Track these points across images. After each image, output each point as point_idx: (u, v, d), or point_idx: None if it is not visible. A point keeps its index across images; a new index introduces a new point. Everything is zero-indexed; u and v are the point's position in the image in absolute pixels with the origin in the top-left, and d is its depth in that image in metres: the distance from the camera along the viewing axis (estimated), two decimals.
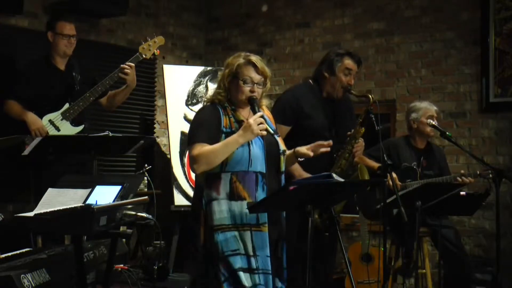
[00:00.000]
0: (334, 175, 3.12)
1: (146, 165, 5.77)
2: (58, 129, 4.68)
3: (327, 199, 3.37)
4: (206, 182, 3.23)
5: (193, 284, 3.35)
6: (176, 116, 6.12)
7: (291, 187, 3.01)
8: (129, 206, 3.14)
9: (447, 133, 4.73)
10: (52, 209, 2.85)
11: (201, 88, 6.29)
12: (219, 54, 7.27)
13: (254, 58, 3.29)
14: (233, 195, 3.18)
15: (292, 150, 3.42)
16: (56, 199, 3.08)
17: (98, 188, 3.15)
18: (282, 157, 3.32)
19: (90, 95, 4.71)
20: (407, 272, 4.79)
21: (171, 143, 6.11)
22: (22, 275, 2.75)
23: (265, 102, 3.40)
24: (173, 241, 6.00)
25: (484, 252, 5.75)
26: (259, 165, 3.22)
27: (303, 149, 3.38)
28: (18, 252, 3.17)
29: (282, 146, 3.36)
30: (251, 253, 3.14)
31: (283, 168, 3.33)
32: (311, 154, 3.35)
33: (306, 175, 3.94)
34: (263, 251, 3.17)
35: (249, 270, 3.13)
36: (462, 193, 4.12)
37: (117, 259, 3.81)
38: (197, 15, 7.45)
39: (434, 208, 4.04)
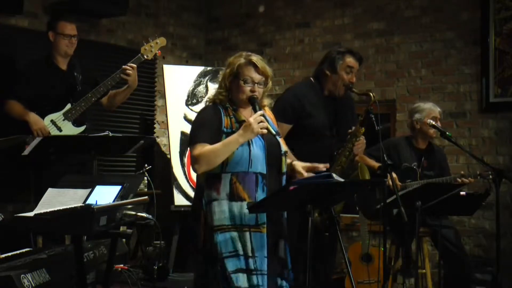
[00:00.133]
0: (334, 175, 3.11)
1: (146, 165, 5.78)
2: (60, 129, 4.68)
3: (327, 199, 3.36)
4: (207, 182, 3.23)
5: (195, 283, 3.34)
6: (176, 116, 6.12)
7: (291, 187, 3.00)
8: (129, 206, 3.14)
9: (447, 133, 4.73)
10: (52, 209, 2.85)
11: (201, 88, 6.29)
12: (219, 54, 7.27)
13: (255, 58, 3.29)
14: (233, 196, 3.18)
15: (290, 161, 3.41)
16: (56, 199, 3.08)
17: (98, 188, 3.15)
18: (283, 158, 3.32)
19: (92, 95, 4.71)
20: (407, 272, 4.79)
21: (171, 143, 6.12)
22: (22, 275, 2.75)
23: (266, 101, 3.40)
24: (173, 241, 6.01)
25: (484, 252, 5.75)
26: (260, 165, 3.22)
27: (299, 166, 3.38)
28: (18, 252, 3.17)
29: (283, 147, 3.36)
30: (250, 254, 3.14)
31: (284, 169, 3.33)
32: (305, 174, 3.34)
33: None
34: (261, 252, 3.17)
35: (247, 271, 3.13)
36: (462, 193, 4.12)
37: (117, 259, 3.82)
38: (197, 15, 7.45)
39: (434, 208, 4.04)
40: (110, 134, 4.49)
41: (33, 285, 2.78)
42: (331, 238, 4.09)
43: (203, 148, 3.16)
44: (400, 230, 4.60)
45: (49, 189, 3.18)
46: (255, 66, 3.26)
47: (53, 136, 4.58)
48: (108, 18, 6.42)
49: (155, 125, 6.93)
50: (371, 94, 4.03)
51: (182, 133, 6.08)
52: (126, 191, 3.22)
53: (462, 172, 4.84)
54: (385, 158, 3.71)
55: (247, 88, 3.25)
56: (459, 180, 4.66)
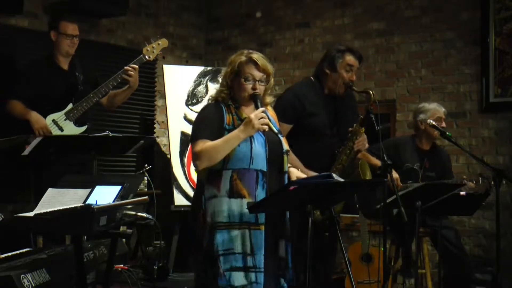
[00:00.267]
0: (334, 175, 3.12)
1: (146, 165, 5.78)
2: (61, 129, 4.68)
3: (327, 199, 3.37)
4: (208, 179, 3.25)
5: (195, 283, 3.35)
6: (176, 116, 6.12)
7: (291, 187, 3.01)
8: (129, 206, 3.14)
9: (447, 133, 4.73)
10: (52, 209, 2.85)
11: (201, 88, 6.29)
12: (219, 54, 7.28)
13: (256, 55, 3.30)
14: (232, 193, 3.18)
15: (289, 166, 3.42)
16: (56, 199, 3.08)
17: (98, 188, 3.15)
18: (285, 157, 3.33)
19: (94, 95, 4.71)
20: (407, 273, 4.79)
21: (171, 143, 6.11)
22: (22, 275, 2.75)
23: (269, 99, 3.41)
24: (173, 241, 6.00)
25: (484, 252, 5.75)
26: (260, 162, 3.22)
27: (294, 176, 3.39)
28: (18, 252, 3.17)
29: (285, 146, 3.37)
30: (249, 252, 3.15)
31: (286, 168, 3.34)
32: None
33: (310, 172, 3.95)
34: (260, 250, 3.17)
35: (245, 268, 3.14)
36: (462, 193, 4.12)
37: (117, 259, 3.81)
38: (197, 15, 7.45)
39: (434, 208, 4.04)
40: (110, 134, 4.49)
41: (33, 285, 2.78)
42: (331, 238, 4.09)
43: (204, 144, 3.17)
44: (400, 230, 4.59)
45: (49, 189, 3.18)
46: (255, 64, 3.27)
47: (53, 136, 4.58)
48: (108, 18, 6.42)
49: (155, 125, 6.93)
50: (371, 92, 4.02)
51: (182, 133, 6.08)
52: (126, 191, 3.22)
53: (465, 177, 4.83)
54: (385, 158, 3.71)
55: (249, 85, 3.27)
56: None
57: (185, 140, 6.03)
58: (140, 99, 6.68)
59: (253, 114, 3.15)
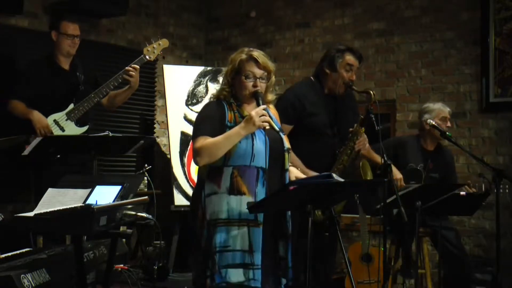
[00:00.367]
0: (334, 175, 3.12)
1: (146, 165, 5.78)
2: (63, 129, 4.68)
3: (327, 199, 3.37)
4: (208, 175, 3.24)
5: (193, 283, 3.34)
6: (176, 116, 6.12)
7: (291, 187, 3.01)
8: (129, 206, 3.14)
9: (447, 133, 4.73)
10: (52, 209, 2.85)
11: (201, 88, 6.29)
12: (219, 54, 7.28)
13: (256, 53, 3.31)
14: (232, 190, 3.18)
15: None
16: (56, 199, 3.08)
17: (98, 188, 3.15)
18: (286, 155, 3.33)
19: (95, 96, 4.71)
20: (407, 273, 4.78)
21: (171, 143, 6.11)
22: (22, 275, 2.75)
23: (271, 97, 3.41)
24: (173, 241, 6.01)
25: (484, 252, 5.75)
26: (261, 160, 3.22)
27: (292, 176, 3.40)
28: (18, 252, 3.17)
29: (287, 144, 3.37)
30: (247, 249, 3.15)
31: (287, 165, 3.34)
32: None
33: (310, 172, 3.95)
34: (258, 248, 3.17)
35: (244, 265, 3.13)
36: (462, 193, 4.13)
37: (117, 259, 3.81)
38: (197, 15, 7.45)
39: (434, 208, 4.04)
40: (110, 134, 4.49)
41: (33, 285, 2.78)
42: (331, 238, 4.09)
43: (205, 141, 3.18)
44: (400, 230, 4.59)
45: (49, 189, 3.18)
46: (256, 61, 3.28)
47: (53, 136, 4.57)
48: (108, 18, 6.42)
49: (155, 125, 6.93)
50: (371, 92, 4.03)
51: (182, 133, 6.08)
52: (126, 191, 3.22)
53: (469, 181, 4.83)
54: (385, 158, 3.70)
55: (249, 83, 3.28)
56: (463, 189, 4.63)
57: (185, 140, 6.04)
58: (140, 99, 6.68)
59: (254, 111, 3.15)
